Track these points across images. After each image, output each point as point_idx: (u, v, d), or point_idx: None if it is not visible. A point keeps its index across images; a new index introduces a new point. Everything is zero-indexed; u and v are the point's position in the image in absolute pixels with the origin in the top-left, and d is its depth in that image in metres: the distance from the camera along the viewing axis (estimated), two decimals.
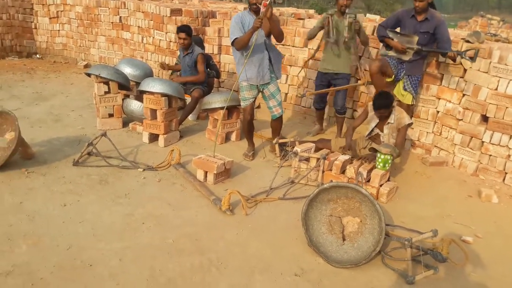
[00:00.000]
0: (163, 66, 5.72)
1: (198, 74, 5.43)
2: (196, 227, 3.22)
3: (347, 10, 4.73)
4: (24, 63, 8.66)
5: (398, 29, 4.72)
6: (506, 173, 4.49)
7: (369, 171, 4.00)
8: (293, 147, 4.44)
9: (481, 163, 4.65)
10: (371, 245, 2.90)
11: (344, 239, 3.04)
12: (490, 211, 3.89)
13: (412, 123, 4.46)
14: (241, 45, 4.08)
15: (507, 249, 3.28)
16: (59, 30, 9.18)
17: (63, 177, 3.81)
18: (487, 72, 4.48)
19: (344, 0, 4.65)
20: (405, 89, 4.66)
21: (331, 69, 4.96)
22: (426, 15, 4.44)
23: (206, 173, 3.92)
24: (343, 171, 4.10)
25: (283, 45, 6.27)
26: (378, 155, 3.96)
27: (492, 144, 4.51)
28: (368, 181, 3.98)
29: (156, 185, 3.83)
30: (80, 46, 8.94)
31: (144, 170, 4.07)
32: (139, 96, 5.16)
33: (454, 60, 4.52)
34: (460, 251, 2.97)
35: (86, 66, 8.59)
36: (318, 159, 4.13)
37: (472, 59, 4.33)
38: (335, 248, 2.99)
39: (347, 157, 4.17)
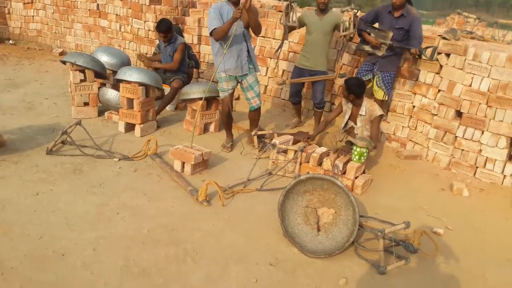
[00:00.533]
0: (141, 57, 5.63)
1: (172, 63, 5.38)
2: (172, 217, 3.19)
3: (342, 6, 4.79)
4: None
5: (377, 24, 4.78)
6: (477, 167, 4.62)
7: (345, 164, 4.05)
8: (272, 139, 4.46)
9: (454, 157, 4.77)
10: (345, 236, 2.94)
11: (319, 230, 3.08)
12: (461, 204, 4.00)
13: (383, 115, 4.53)
14: (220, 35, 4.05)
15: (476, 241, 3.38)
16: (33, 16, 8.92)
17: (35, 165, 3.72)
18: (462, 69, 4.59)
19: None
20: (377, 85, 4.72)
21: (308, 66, 4.99)
22: (402, 11, 4.51)
23: (183, 163, 3.90)
24: (320, 163, 4.14)
25: (263, 37, 6.26)
26: (354, 148, 4.01)
27: (465, 139, 4.64)
28: (344, 173, 4.03)
29: (132, 175, 3.78)
30: (55, 33, 8.71)
31: (119, 160, 4.01)
32: (116, 85, 5.07)
33: (419, 56, 4.65)
34: (431, 242, 3.04)
35: (62, 53, 8.39)
36: (295, 151, 4.15)
37: (430, 56, 4.45)
38: (309, 239, 3.02)
39: (324, 149, 4.21)
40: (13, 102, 5.29)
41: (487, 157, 4.54)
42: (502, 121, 4.38)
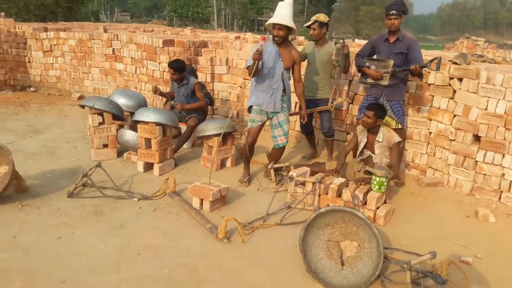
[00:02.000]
0: (156, 90, 5.72)
1: (200, 101, 5.51)
2: (193, 256, 3.17)
3: (333, 34, 4.87)
4: (18, 96, 8.70)
5: (375, 56, 4.80)
6: (501, 191, 4.51)
7: (365, 194, 4.00)
8: (288, 172, 4.45)
9: (476, 182, 4.67)
10: (370, 269, 2.87)
11: (343, 264, 3.01)
12: (488, 231, 3.88)
13: (402, 141, 4.50)
14: (249, 71, 4.17)
15: (507, 269, 3.26)
16: (52, 63, 9.26)
17: (57, 209, 3.77)
18: (475, 93, 4.56)
19: (312, 31, 4.85)
20: (388, 115, 4.69)
21: (310, 95, 5.05)
22: (397, 35, 4.49)
23: (201, 200, 3.90)
24: (339, 195, 4.10)
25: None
26: (373, 177, 3.97)
27: (486, 163, 4.55)
28: (365, 204, 3.97)
29: (152, 215, 3.80)
30: (73, 78, 9.01)
31: (139, 199, 4.05)
32: (133, 126, 5.17)
33: (419, 75, 4.48)
34: (460, 272, 2.94)
35: (80, 97, 8.64)
36: (313, 183, 4.13)
37: (437, 68, 4.33)
38: (334, 274, 2.96)
39: (342, 180, 4.18)
40: (35, 148, 5.43)
41: (511, 181, 4.44)
42: None
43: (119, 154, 5.19)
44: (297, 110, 5.47)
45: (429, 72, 4.76)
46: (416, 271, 2.87)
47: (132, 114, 5.37)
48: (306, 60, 5.10)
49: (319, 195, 4.09)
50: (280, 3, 4.15)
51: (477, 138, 4.64)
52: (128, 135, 5.06)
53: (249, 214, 3.89)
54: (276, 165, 4.61)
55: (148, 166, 4.78)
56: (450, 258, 3.29)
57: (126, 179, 4.54)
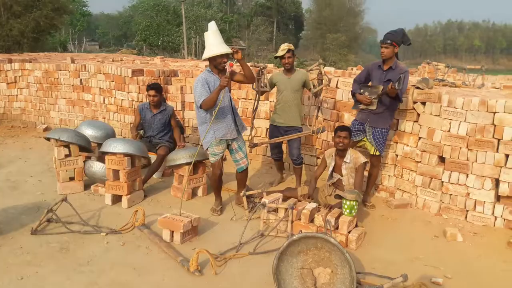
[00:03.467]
0: (138, 136, 5.63)
1: (176, 129, 5.57)
2: None
3: (318, 61, 5.00)
4: None
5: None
6: (467, 210, 4.63)
7: (337, 218, 4.02)
8: (261, 198, 4.44)
9: (443, 202, 4.79)
10: None
11: None
12: (456, 250, 3.96)
13: (367, 162, 4.60)
14: (209, 105, 4.13)
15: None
16: (17, 95, 9.02)
17: (20, 247, 3.59)
18: (438, 115, 4.73)
19: (287, 59, 4.94)
20: (368, 140, 4.79)
21: (283, 123, 5.11)
22: (391, 64, 4.58)
23: (172, 232, 3.82)
24: (311, 220, 4.11)
25: (245, 99, 6.45)
26: (344, 201, 4.01)
27: (451, 183, 4.68)
28: (337, 228, 3.99)
29: (120, 249, 3.67)
30: (39, 109, 8.79)
31: (107, 234, 3.92)
32: (101, 157, 5.06)
33: (396, 97, 4.45)
34: None
35: (46, 129, 8.42)
36: (286, 209, 4.12)
37: (398, 85, 4.33)
38: None
39: (314, 205, 4.20)
40: None
41: (475, 200, 4.57)
42: (484, 163, 4.47)
43: (87, 186, 5.04)
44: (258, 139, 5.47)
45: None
46: None
47: (99, 145, 5.27)
48: (276, 88, 5.17)
49: (292, 221, 4.08)
50: (209, 33, 4.17)
51: (442, 159, 4.78)
52: (96, 166, 4.94)
53: (222, 244, 3.83)
54: (248, 192, 4.59)
55: (117, 199, 4.66)
56: (421, 280, 3.33)
57: (94, 213, 4.40)
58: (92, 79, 7.93)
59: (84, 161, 5.05)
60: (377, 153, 4.75)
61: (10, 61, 9.15)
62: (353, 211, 4.00)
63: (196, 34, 44.04)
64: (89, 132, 5.36)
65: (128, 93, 7.24)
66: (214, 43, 4.14)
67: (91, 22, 61.77)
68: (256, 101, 5.21)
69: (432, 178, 4.82)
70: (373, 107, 4.63)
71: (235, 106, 4.54)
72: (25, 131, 8.48)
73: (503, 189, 4.39)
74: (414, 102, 4.96)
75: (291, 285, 3.01)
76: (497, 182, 4.47)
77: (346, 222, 3.92)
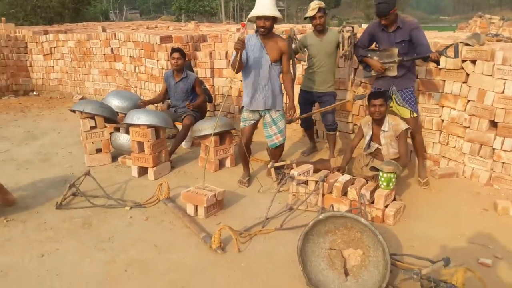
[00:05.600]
0: (143, 103, 5.42)
1: (200, 97, 5.30)
2: (184, 271, 2.92)
3: (344, 24, 4.53)
4: (20, 101, 8.59)
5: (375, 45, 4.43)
6: None
7: (372, 192, 3.70)
8: (290, 170, 4.18)
9: (494, 171, 4.32)
10: (376, 281, 2.59)
11: (346, 275, 2.73)
12: (508, 226, 3.55)
13: (409, 128, 4.18)
14: (233, 67, 3.86)
15: None
16: (53, 66, 9.14)
17: (44, 223, 3.57)
18: (491, 75, 4.19)
19: (318, 19, 4.47)
20: (398, 104, 4.35)
21: (315, 88, 4.73)
22: (396, 24, 4.09)
23: (196, 207, 3.66)
24: (344, 193, 3.81)
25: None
26: (381, 174, 3.67)
27: (504, 150, 4.19)
28: (372, 202, 3.68)
29: (143, 225, 3.57)
30: (74, 80, 8.86)
31: (131, 208, 3.82)
32: (128, 129, 4.95)
33: (437, 62, 4.04)
34: (476, 276, 2.64)
35: (82, 99, 8.48)
36: (316, 181, 3.84)
37: (455, 55, 3.96)
38: (337, 286, 2.68)
39: (347, 177, 3.88)
40: (29, 155, 5.27)
41: None
42: None
43: (114, 158, 4.98)
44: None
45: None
46: (428, 280, 2.57)
47: (126, 115, 5.14)
48: (306, 51, 4.76)
49: (323, 195, 3.81)
50: None
51: (493, 124, 4.28)
52: (122, 138, 4.85)
53: (248, 219, 3.64)
54: (276, 164, 4.33)
55: (143, 171, 4.56)
56: (466, 260, 3.00)
57: (120, 185, 4.33)
58: (122, 47, 7.82)
59: (111, 133, 4.96)
60: (415, 115, 4.29)
61: (46, 32, 9.22)
62: (390, 184, 3.66)
63: None
64: (115, 103, 5.24)
65: (157, 61, 7.07)
66: (260, 3, 3.80)
67: None
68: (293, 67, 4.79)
69: (482, 145, 4.34)
70: (394, 73, 4.16)
71: (278, 78, 4.14)
72: (62, 102, 8.60)
73: None
74: (463, 61, 4.41)
75: (318, 267, 2.77)
76: None
77: (383, 195, 3.59)
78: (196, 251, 3.16)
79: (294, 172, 3.96)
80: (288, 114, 4.24)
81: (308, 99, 4.84)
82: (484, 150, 4.33)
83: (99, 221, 3.61)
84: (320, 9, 4.44)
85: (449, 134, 4.68)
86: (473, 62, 4.37)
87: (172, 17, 41.68)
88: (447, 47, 3.92)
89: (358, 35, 4.53)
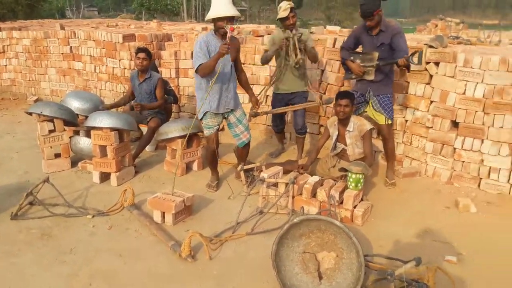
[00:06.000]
0: (106, 109, 5.18)
1: (158, 101, 5.09)
2: (152, 282, 2.81)
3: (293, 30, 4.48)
4: None
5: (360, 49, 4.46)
6: (480, 178, 4.31)
7: (341, 193, 3.72)
8: (260, 172, 4.13)
9: (454, 170, 4.46)
10: (350, 283, 2.58)
11: (320, 278, 2.71)
12: (470, 223, 3.66)
13: (374, 128, 4.23)
14: (205, 72, 3.75)
15: (495, 265, 3.02)
16: (6, 65, 8.64)
17: None
18: (453, 77, 4.32)
19: (291, 19, 4.43)
20: (374, 110, 4.36)
21: (287, 89, 4.70)
22: (380, 27, 4.10)
23: (163, 213, 3.53)
24: (314, 195, 3.81)
25: (242, 64, 6.01)
26: (349, 174, 3.69)
27: (465, 150, 4.33)
28: (341, 203, 3.69)
29: (107, 234, 3.41)
30: (29, 80, 8.41)
31: (93, 216, 3.64)
32: (89, 132, 4.72)
33: (407, 67, 4.12)
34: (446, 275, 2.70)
35: (37, 101, 8.04)
36: (286, 184, 3.81)
37: (418, 61, 4.02)
38: None
39: (317, 178, 3.88)
40: None
41: (490, 167, 4.23)
42: (502, 127, 4.09)
43: (74, 163, 4.74)
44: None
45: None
46: (400, 280, 2.59)
47: (87, 118, 4.91)
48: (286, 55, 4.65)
49: (293, 197, 3.78)
50: None
51: (455, 124, 4.41)
52: (83, 142, 4.62)
53: (218, 224, 3.56)
54: (246, 166, 4.26)
55: (105, 176, 4.36)
56: (433, 258, 3.06)
57: (81, 192, 4.12)
58: (82, 46, 7.50)
59: (71, 137, 4.73)
60: (389, 122, 4.31)
61: None
62: (359, 185, 3.69)
63: None
64: (75, 105, 5.00)
65: (119, 60, 6.83)
66: (218, 2, 3.69)
67: None
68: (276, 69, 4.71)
69: (443, 144, 4.47)
70: (371, 77, 4.16)
71: (235, 75, 4.10)
72: (15, 103, 8.14)
73: None
74: (427, 63, 4.52)
75: (292, 271, 2.74)
76: None
77: (352, 196, 3.61)
78: (165, 260, 3.05)
79: (264, 174, 3.91)
80: (256, 107, 4.20)
81: (281, 100, 4.80)
82: (446, 150, 4.46)
83: (59, 232, 3.41)
84: (291, 9, 4.41)
85: (412, 134, 4.79)
86: (436, 64, 4.49)
87: (132, 15, 40.60)
88: (413, 53, 3.97)
89: (320, 36, 4.51)
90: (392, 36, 4.03)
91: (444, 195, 4.20)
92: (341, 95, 4.10)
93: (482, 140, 4.21)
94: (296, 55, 4.38)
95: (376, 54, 4.08)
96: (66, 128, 4.65)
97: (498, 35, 5.83)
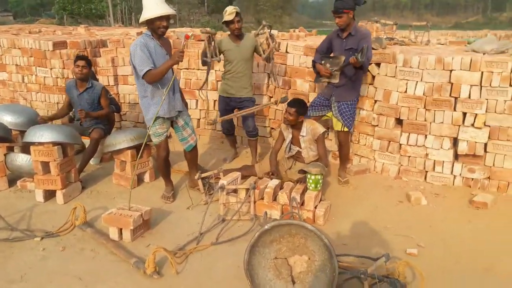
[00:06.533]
0: (44, 121, 4.75)
1: (104, 109, 4.83)
2: None
3: (262, 24, 4.46)
4: None
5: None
6: (426, 171, 4.57)
7: (302, 194, 3.75)
8: (217, 179, 4.04)
9: (401, 165, 4.69)
10: (324, 284, 2.59)
11: (294, 282, 2.70)
12: (423, 215, 3.86)
13: (326, 131, 4.33)
14: (155, 79, 3.59)
15: (450, 255, 3.20)
16: None
17: None
18: (394, 76, 4.54)
19: (237, 24, 4.42)
20: (334, 116, 4.43)
21: (234, 94, 4.68)
22: (350, 30, 4.13)
23: (120, 230, 3.32)
24: (274, 198, 3.79)
25: (187, 69, 5.88)
26: (309, 176, 3.73)
27: (410, 145, 4.58)
28: (302, 204, 3.72)
29: (60, 256, 3.13)
30: None
31: (42, 238, 3.33)
32: (26, 147, 4.33)
33: (361, 67, 4.09)
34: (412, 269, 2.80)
35: None
36: (247, 189, 3.76)
37: (360, 57, 3.89)
38: None
39: (276, 182, 3.87)
40: None
41: (434, 160, 4.51)
42: (442, 122, 4.38)
43: (11, 182, 4.33)
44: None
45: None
46: (373, 278, 2.65)
47: (22, 133, 4.50)
48: (223, 56, 4.63)
49: (254, 202, 3.74)
50: None
51: (399, 121, 4.64)
52: (21, 159, 4.21)
53: (179, 236, 3.41)
54: (203, 174, 4.14)
55: (50, 194, 4.02)
56: (395, 252, 3.17)
57: (23, 214, 3.76)
58: (6, 55, 6.89)
59: (5, 154, 4.30)
60: (345, 129, 4.38)
61: None
62: (318, 186, 3.75)
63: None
64: (7, 119, 4.57)
65: (51, 69, 6.36)
66: (152, 2, 3.54)
67: None
68: (207, 72, 4.63)
69: (390, 141, 4.69)
70: (335, 80, 4.18)
71: (176, 77, 3.99)
72: None
73: (462, 147, 4.34)
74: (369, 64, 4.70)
75: (265, 278, 2.69)
76: (455, 141, 4.42)
77: (312, 197, 3.66)
78: (128, 279, 2.86)
79: (224, 181, 3.83)
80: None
81: (228, 104, 4.75)
82: (392, 146, 4.68)
83: (4, 258, 3.07)
84: (237, 14, 4.38)
85: (359, 132, 4.97)
86: (378, 64, 4.69)
87: (53, 20, 38.32)
88: (360, 51, 4.05)
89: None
90: (359, 41, 4.05)
91: (395, 190, 4.39)
92: (291, 102, 4.14)
93: (426, 136, 4.47)
94: (265, 50, 4.46)
95: (343, 58, 4.09)
96: None
97: (427, 36, 6.23)
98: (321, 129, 4.17)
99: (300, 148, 4.26)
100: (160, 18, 3.57)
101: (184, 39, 3.45)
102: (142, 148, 3.64)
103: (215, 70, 5.67)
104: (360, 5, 4.11)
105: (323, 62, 4.25)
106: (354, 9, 4.07)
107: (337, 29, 4.23)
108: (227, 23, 4.44)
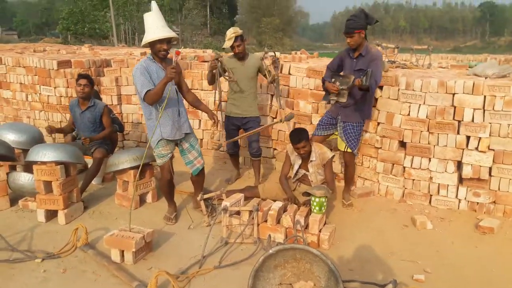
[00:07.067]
0: (50, 130, 4.80)
1: (107, 129, 4.82)
2: None
3: (265, 50, 4.54)
4: None
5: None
6: (431, 195, 4.53)
7: (306, 217, 3.71)
8: (220, 200, 4.01)
9: (406, 188, 4.66)
10: None
11: None
12: (429, 240, 3.81)
13: (334, 155, 4.31)
14: (154, 99, 3.59)
15: (458, 282, 3.14)
16: None
17: None
18: (397, 99, 4.55)
19: (237, 48, 4.47)
20: (339, 136, 4.41)
21: (240, 114, 4.71)
22: (361, 51, 4.07)
23: (122, 251, 3.28)
24: (278, 221, 3.75)
25: (190, 89, 5.90)
26: (313, 198, 3.70)
27: (414, 168, 4.55)
28: (306, 227, 3.67)
29: (61, 278, 3.07)
30: None
31: (43, 259, 3.28)
32: (28, 167, 4.31)
33: (367, 89, 3.99)
34: None
35: None
36: (250, 211, 3.73)
37: (365, 80, 3.92)
38: None
39: (280, 204, 3.84)
40: None
41: (439, 184, 4.47)
42: (446, 145, 4.36)
43: (13, 201, 4.29)
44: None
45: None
46: None
47: (25, 151, 4.49)
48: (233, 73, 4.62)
49: (258, 224, 3.70)
50: (149, 14, 3.62)
51: (402, 144, 4.63)
52: (23, 178, 4.19)
53: (182, 259, 3.37)
54: (206, 196, 4.11)
55: (51, 214, 3.98)
56: (402, 278, 3.12)
57: (24, 234, 3.71)
58: (10, 73, 6.94)
59: (8, 173, 4.28)
60: (349, 150, 4.34)
61: None
62: (323, 208, 3.71)
63: (125, 20, 41.71)
64: (11, 137, 4.56)
65: (55, 88, 6.40)
66: (153, 25, 3.58)
67: (6, 9, 56.53)
68: (219, 92, 4.63)
69: (393, 164, 4.67)
70: (343, 100, 4.12)
71: (182, 99, 4.00)
72: None
73: (466, 171, 4.31)
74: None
75: None
76: (459, 165, 4.40)
77: (317, 220, 3.61)
78: None
79: (226, 203, 3.80)
80: (213, 122, 3.97)
81: (234, 124, 4.77)
82: (396, 169, 4.66)
83: (4, 280, 3.01)
84: (236, 38, 4.41)
85: (363, 155, 4.96)
86: (380, 87, 4.71)
87: (57, 39, 38.79)
88: (365, 74, 4.05)
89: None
90: (369, 62, 4.01)
91: (400, 213, 4.35)
92: (294, 139, 4.03)
93: (430, 159, 4.45)
94: (270, 72, 4.48)
95: (352, 77, 4.02)
96: (1, 163, 4.21)
97: (428, 59, 6.27)
98: (329, 153, 4.14)
99: (308, 171, 4.23)
100: (161, 41, 3.59)
101: (174, 54, 3.46)
102: (139, 168, 3.63)
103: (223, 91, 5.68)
104: (372, 24, 4.09)
105: (333, 80, 4.19)
106: (366, 28, 4.04)
107: (349, 48, 4.19)
108: (230, 47, 4.48)
